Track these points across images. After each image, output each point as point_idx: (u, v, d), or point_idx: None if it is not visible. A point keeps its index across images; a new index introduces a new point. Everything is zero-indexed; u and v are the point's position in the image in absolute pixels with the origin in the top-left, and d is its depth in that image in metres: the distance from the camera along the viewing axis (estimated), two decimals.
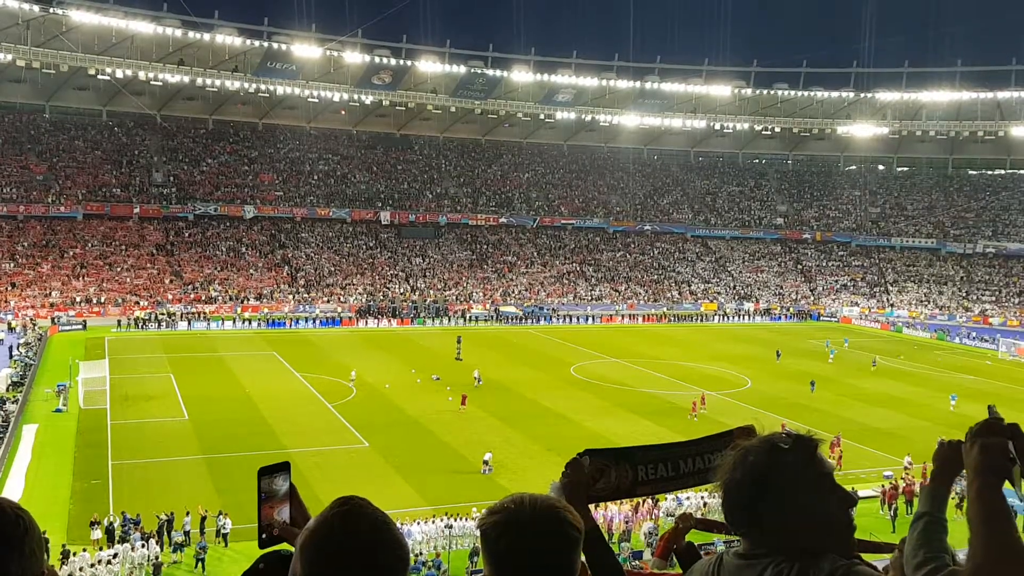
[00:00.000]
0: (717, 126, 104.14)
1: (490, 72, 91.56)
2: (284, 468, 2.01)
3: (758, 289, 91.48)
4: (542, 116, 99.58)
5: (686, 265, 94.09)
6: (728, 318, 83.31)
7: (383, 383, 48.57)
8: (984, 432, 1.87)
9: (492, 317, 75.68)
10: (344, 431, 39.02)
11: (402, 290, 79.15)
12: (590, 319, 78.41)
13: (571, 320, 77.34)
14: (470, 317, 74.95)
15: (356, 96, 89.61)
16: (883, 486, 31.36)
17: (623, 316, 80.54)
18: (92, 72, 76.33)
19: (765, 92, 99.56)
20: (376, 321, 71.68)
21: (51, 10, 71.41)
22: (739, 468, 2.03)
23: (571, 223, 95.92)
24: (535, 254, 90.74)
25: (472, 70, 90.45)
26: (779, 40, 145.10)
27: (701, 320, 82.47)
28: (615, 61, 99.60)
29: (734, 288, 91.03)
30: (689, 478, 2.67)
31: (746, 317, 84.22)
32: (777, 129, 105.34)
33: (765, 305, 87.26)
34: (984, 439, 1.85)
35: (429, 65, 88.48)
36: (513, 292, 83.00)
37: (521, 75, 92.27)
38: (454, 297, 79.45)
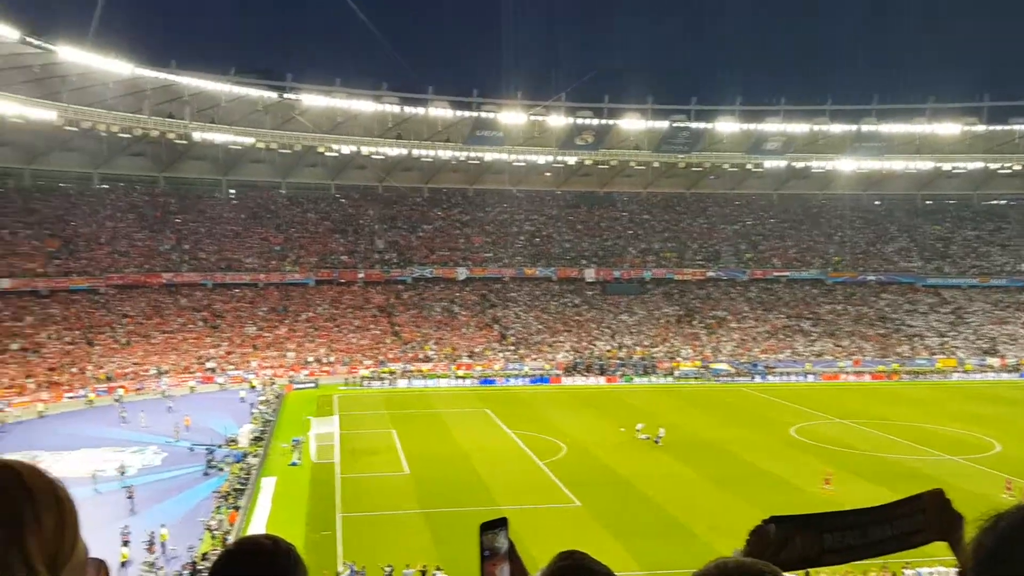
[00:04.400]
0: (946, 167, 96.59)
1: (693, 125, 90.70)
2: (503, 524, 1.96)
3: (1003, 343, 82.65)
4: (750, 166, 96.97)
5: (918, 317, 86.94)
6: (969, 375, 75.71)
7: (592, 441, 48.22)
8: None
9: (702, 374, 73.46)
10: (555, 489, 38.90)
11: (608, 347, 78.81)
12: (810, 376, 74.05)
13: (788, 378, 73.38)
14: (679, 375, 73.18)
15: (560, 158, 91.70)
16: None
17: (847, 373, 75.42)
18: (321, 150, 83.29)
19: (1000, 128, 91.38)
20: (583, 378, 71.66)
21: (285, 96, 79.00)
22: (989, 535, 1.64)
23: (785, 275, 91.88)
24: (747, 308, 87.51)
25: (675, 124, 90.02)
26: (1014, 72, 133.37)
27: (938, 377, 75.45)
28: (827, 105, 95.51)
29: (975, 342, 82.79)
30: (880, 546, 2.36)
31: (990, 373, 76.16)
32: (1018, 167, 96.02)
33: (1013, 360, 78.53)
34: None
35: (631, 122, 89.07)
36: (724, 348, 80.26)
37: (726, 126, 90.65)
38: (662, 354, 77.99)
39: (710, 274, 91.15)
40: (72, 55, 62.45)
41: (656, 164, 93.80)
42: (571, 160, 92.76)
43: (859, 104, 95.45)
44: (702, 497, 37.64)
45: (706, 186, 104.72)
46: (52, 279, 70.65)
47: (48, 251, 73.67)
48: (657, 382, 71.41)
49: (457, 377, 70.50)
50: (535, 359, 75.54)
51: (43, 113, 66.07)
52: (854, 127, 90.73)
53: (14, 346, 62.16)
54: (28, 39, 59.21)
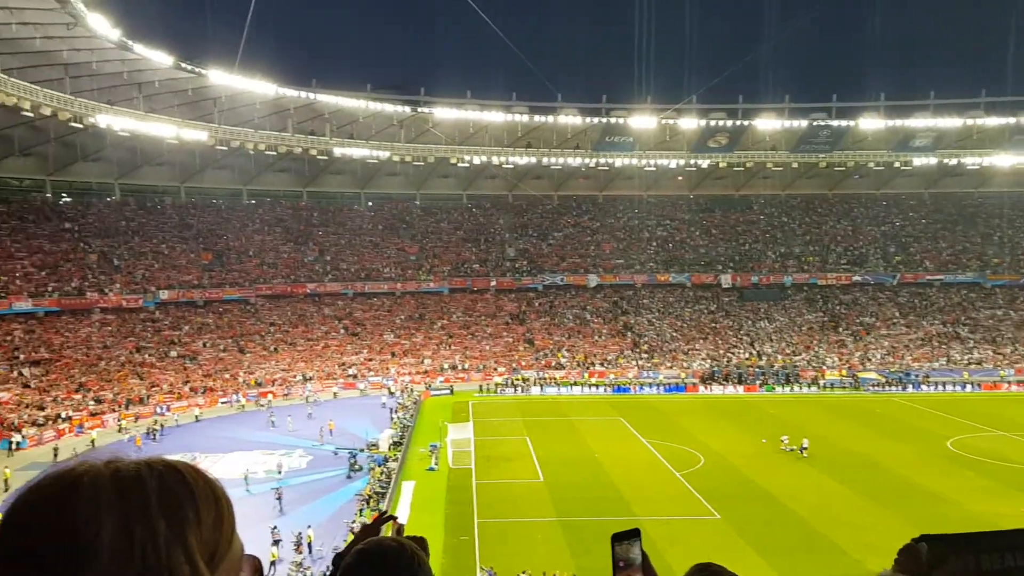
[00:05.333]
0: None
1: (834, 123, 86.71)
2: (636, 535, 1.94)
3: None
4: (897, 164, 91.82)
5: None
6: None
7: (731, 452, 46.73)
8: None
9: (849, 384, 69.98)
10: (693, 501, 37.86)
11: (747, 355, 76.37)
12: (968, 386, 69.24)
13: (944, 387, 68.85)
14: (824, 384, 70.01)
15: (692, 161, 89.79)
16: None
17: (1009, 383, 70.10)
18: (454, 161, 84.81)
19: None
20: (721, 387, 69.67)
21: (419, 110, 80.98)
22: None
23: (939, 279, 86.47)
24: (897, 314, 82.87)
25: (814, 123, 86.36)
26: None
27: None
28: (982, 97, 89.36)
29: None
30: None
31: None
32: None
33: None
34: None
35: (767, 122, 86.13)
36: (873, 356, 76.24)
37: (870, 122, 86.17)
38: (805, 362, 74.87)
39: (856, 278, 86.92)
40: (221, 78, 66.17)
41: (795, 165, 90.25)
42: (704, 163, 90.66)
43: (1017, 95, 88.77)
44: (851, 512, 35.71)
45: (849, 186, 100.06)
46: (207, 290, 75.05)
47: (202, 264, 78.31)
48: (800, 392, 68.55)
49: (590, 385, 70.04)
50: (670, 367, 74.12)
51: (196, 134, 70.32)
52: (1012, 120, 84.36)
53: (173, 353, 66.33)
54: (181, 64, 63.15)
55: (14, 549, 1.09)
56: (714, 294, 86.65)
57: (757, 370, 72.40)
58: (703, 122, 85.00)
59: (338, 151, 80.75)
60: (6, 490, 38.52)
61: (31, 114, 56.79)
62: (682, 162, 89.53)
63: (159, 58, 60.69)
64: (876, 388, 68.58)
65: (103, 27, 51.89)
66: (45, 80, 56.85)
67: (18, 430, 48.56)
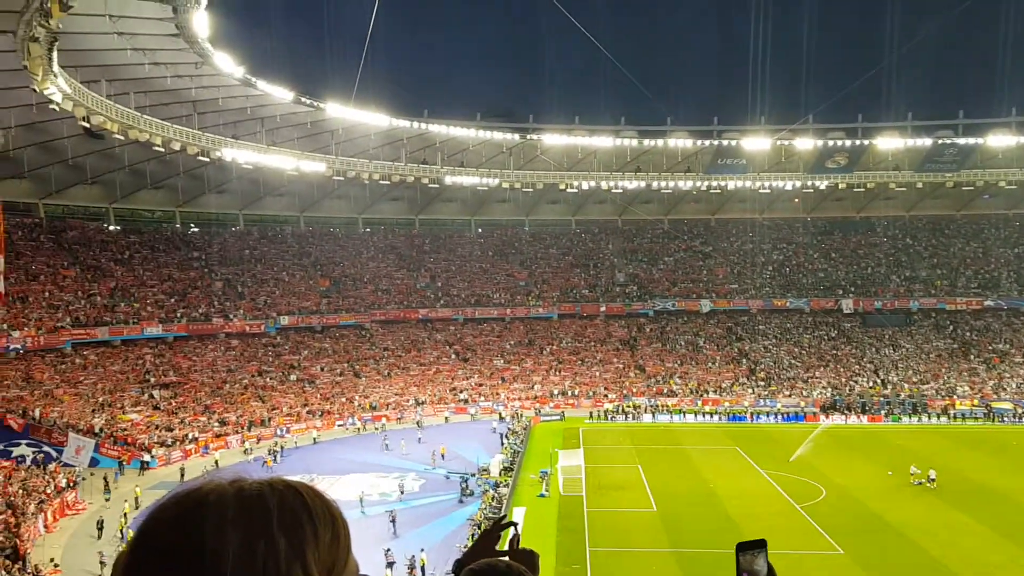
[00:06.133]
0: None
1: (961, 141, 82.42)
2: (762, 545, 1.87)
3: None
4: None
5: None
6: None
7: (855, 485, 44.56)
8: None
9: (983, 414, 65.81)
10: (815, 535, 36.17)
11: (870, 383, 72.94)
12: None
13: None
14: (954, 414, 66.08)
15: (809, 182, 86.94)
16: None
17: None
18: (562, 187, 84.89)
19: None
20: (843, 417, 66.67)
21: (527, 137, 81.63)
22: None
23: None
24: None
25: (939, 141, 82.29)
26: None
27: None
28: None
29: None
30: None
31: None
32: None
33: None
34: None
35: (889, 141, 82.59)
36: (1008, 385, 71.51)
37: (1000, 139, 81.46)
38: (933, 391, 70.90)
39: (987, 303, 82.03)
40: (338, 111, 68.50)
41: (919, 185, 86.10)
42: (822, 184, 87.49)
43: None
44: (985, 550, 33.39)
45: (979, 207, 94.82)
46: (324, 316, 77.44)
47: (320, 290, 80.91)
48: (929, 422, 64.93)
49: (704, 413, 68.30)
50: (788, 395, 71.55)
51: (315, 165, 72.95)
52: None
53: (292, 377, 68.57)
54: (301, 99, 65.78)
55: (146, 563, 1.17)
56: (835, 320, 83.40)
57: (882, 399, 69.01)
58: (820, 142, 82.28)
59: (449, 179, 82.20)
60: (136, 508, 40.43)
61: (162, 149, 60.15)
62: (798, 183, 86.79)
63: (280, 93, 63.36)
64: (1013, 419, 64.23)
65: (228, 65, 54.57)
66: (175, 116, 60.18)
67: (148, 450, 51.03)
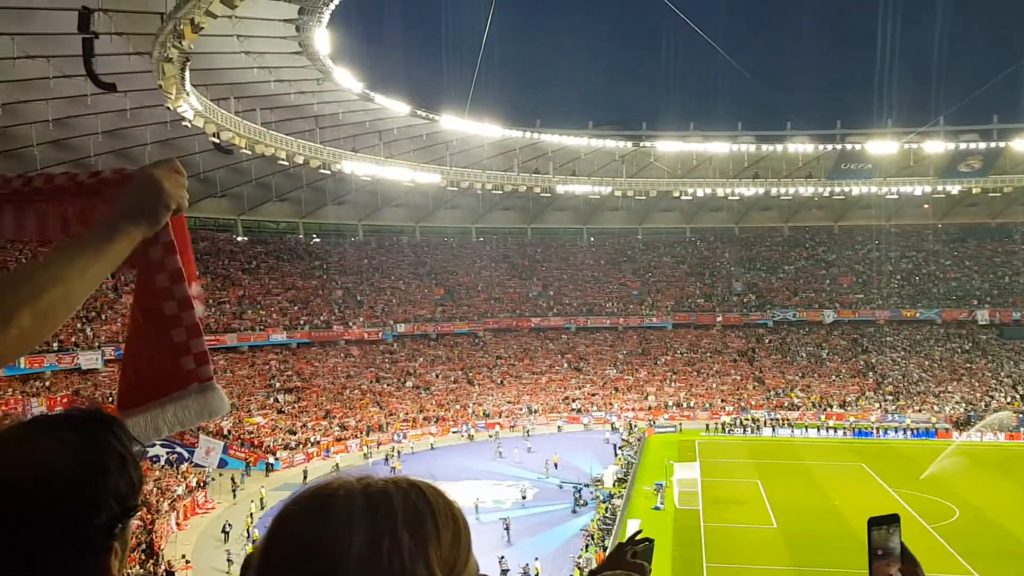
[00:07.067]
0: None
1: None
2: (895, 520, 1.75)
3: None
4: None
5: None
6: None
7: (992, 505, 41.82)
8: None
9: None
10: (947, 557, 34.09)
11: (1009, 399, 68.42)
12: None
13: None
14: None
15: (940, 187, 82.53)
16: None
17: None
18: (676, 195, 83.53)
19: None
20: (979, 434, 62.74)
21: (640, 144, 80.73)
22: None
23: None
24: None
25: None
26: None
27: None
28: None
29: None
30: None
31: None
32: None
33: None
34: None
35: None
36: None
37: None
38: None
39: None
40: (452, 123, 69.66)
41: None
42: (954, 189, 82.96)
43: None
44: None
45: None
46: (439, 324, 78.73)
47: (435, 299, 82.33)
48: None
49: (828, 428, 65.65)
50: (918, 410, 67.95)
51: (430, 176, 74.39)
52: None
53: (408, 384, 69.95)
54: (417, 112, 67.28)
55: (279, 552, 1.22)
56: (969, 331, 78.75)
57: (1021, 416, 64.60)
58: (952, 145, 77.96)
59: (561, 188, 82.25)
60: (262, 508, 41.99)
61: (286, 162, 62.66)
62: (928, 188, 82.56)
63: (397, 107, 64.93)
64: None
65: (348, 81, 56.35)
66: (298, 131, 62.57)
67: (273, 453, 53.01)
